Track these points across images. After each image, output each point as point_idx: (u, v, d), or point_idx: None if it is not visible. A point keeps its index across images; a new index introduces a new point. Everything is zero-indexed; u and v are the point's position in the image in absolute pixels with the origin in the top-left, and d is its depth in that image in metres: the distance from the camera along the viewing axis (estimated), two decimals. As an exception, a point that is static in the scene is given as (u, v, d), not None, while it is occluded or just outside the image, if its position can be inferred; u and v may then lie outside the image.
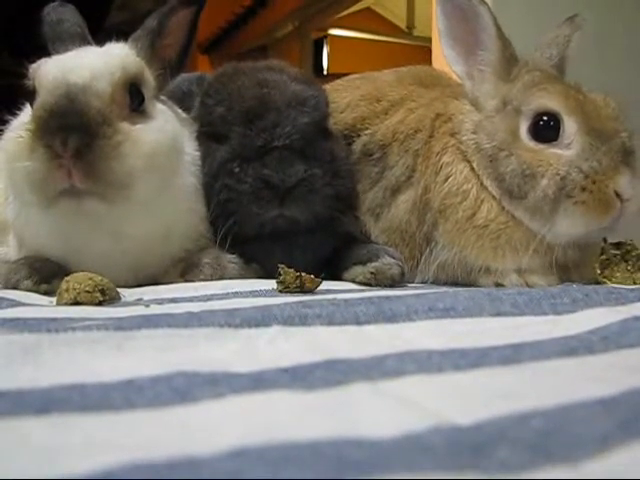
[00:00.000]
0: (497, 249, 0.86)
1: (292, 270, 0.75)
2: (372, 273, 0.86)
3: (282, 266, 0.75)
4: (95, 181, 0.77)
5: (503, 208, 0.86)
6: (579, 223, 0.82)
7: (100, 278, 0.71)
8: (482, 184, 0.88)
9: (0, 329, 0.51)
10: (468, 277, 0.90)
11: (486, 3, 0.89)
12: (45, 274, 0.82)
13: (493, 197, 0.87)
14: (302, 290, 0.74)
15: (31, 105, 0.83)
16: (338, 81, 1.18)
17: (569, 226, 0.82)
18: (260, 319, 0.52)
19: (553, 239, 0.84)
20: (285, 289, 0.75)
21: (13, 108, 0.96)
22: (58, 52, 0.89)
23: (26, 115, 0.87)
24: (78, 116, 0.76)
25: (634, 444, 0.29)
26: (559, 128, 0.83)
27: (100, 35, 0.96)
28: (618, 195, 0.80)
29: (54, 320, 0.55)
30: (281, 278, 0.75)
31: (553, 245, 0.85)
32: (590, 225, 0.82)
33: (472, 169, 0.89)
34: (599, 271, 0.85)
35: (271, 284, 0.77)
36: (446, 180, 0.89)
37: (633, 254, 0.86)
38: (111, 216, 0.81)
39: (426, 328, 0.54)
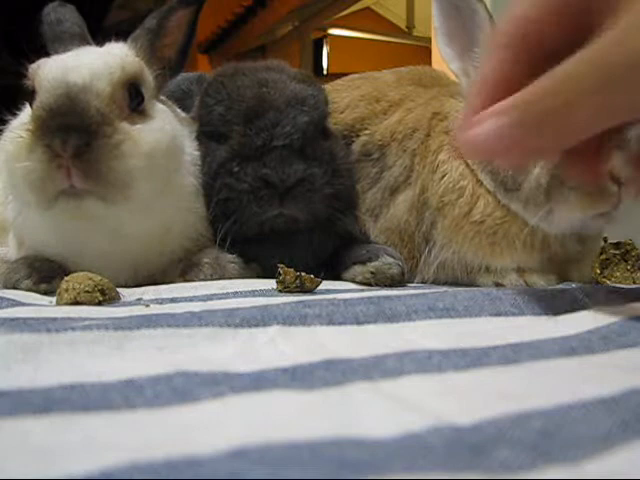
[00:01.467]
0: (494, 245, 0.86)
1: (292, 270, 0.75)
2: (372, 273, 0.86)
3: (282, 266, 0.75)
4: (95, 181, 0.76)
5: (499, 203, 0.86)
6: (575, 209, 0.82)
7: (100, 278, 0.71)
8: (478, 180, 0.88)
9: (0, 329, 0.51)
10: (468, 277, 0.90)
11: (482, 0, 0.89)
12: (45, 274, 0.81)
13: (489, 192, 0.87)
14: (302, 290, 0.74)
15: (30, 105, 0.83)
16: (338, 81, 1.18)
17: (566, 213, 0.82)
18: (260, 319, 0.52)
19: (550, 230, 0.84)
20: (285, 289, 0.74)
21: (13, 108, 0.96)
22: (58, 52, 0.89)
23: (26, 115, 0.87)
24: (78, 116, 0.76)
25: (635, 444, 0.29)
26: None
27: (100, 35, 0.96)
28: (615, 179, 0.80)
29: (54, 320, 0.55)
30: (281, 278, 0.75)
31: (550, 237, 0.85)
32: (587, 211, 0.82)
33: (467, 165, 0.89)
34: (599, 271, 0.85)
35: (271, 284, 0.77)
36: (442, 178, 0.89)
37: (633, 254, 0.86)
38: (111, 216, 0.81)
39: (426, 328, 0.54)
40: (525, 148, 0.51)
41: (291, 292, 0.74)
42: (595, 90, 0.47)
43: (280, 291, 0.75)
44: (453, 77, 0.99)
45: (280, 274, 0.75)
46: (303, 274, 0.75)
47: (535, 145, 0.51)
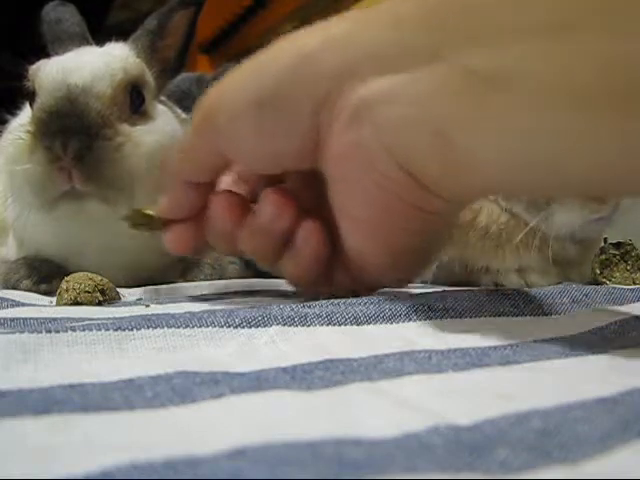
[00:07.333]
0: (498, 248, 0.86)
1: (140, 210, 0.69)
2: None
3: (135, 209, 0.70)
4: (96, 183, 0.77)
5: (502, 208, 0.86)
6: (576, 211, 0.81)
7: (100, 278, 0.71)
8: None
9: (0, 329, 0.51)
10: (468, 277, 0.90)
11: None
12: (45, 274, 0.82)
13: (491, 200, 0.87)
14: (151, 228, 0.69)
15: (31, 106, 0.83)
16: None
17: (566, 215, 0.82)
18: (260, 319, 0.52)
19: (551, 231, 0.84)
20: (134, 226, 0.70)
21: (13, 109, 0.96)
22: (57, 52, 0.89)
23: (25, 116, 0.87)
24: (79, 118, 0.76)
25: (634, 444, 0.28)
26: None
27: (100, 35, 0.96)
28: None
29: (54, 320, 0.55)
30: (128, 215, 0.70)
31: (551, 239, 0.84)
32: (587, 213, 0.81)
33: None
34: (598, 271, 0.85)
35: (271, 284, 0.77)
36: None
37: (633, 254, 0.85)
38: (112, 217, 0.81)
39: (426, 328, 0.54)
40: None
41: (138, 228, 0.70)
42: None
43: (130, 227, 0.70)
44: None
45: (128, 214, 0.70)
46: (154, 215, 0.68)
47: None
